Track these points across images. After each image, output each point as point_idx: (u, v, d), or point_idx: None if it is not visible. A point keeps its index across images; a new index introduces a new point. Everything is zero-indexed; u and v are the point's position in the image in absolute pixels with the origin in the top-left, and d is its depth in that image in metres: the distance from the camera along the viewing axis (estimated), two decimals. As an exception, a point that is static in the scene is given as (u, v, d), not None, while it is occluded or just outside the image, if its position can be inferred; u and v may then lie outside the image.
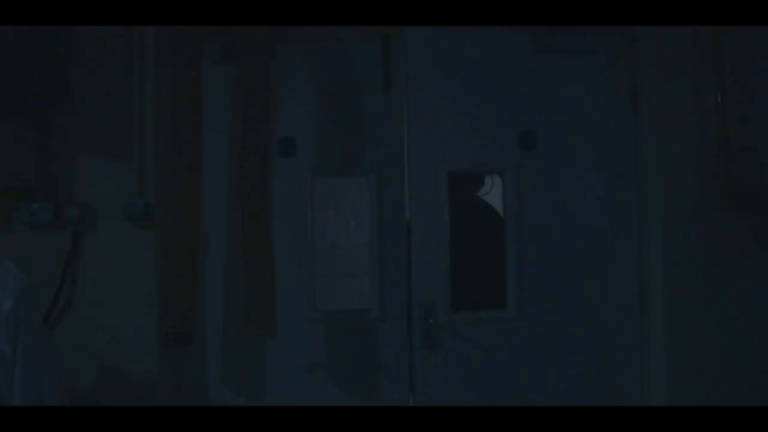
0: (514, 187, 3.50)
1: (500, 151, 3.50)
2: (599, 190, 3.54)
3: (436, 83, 3.41)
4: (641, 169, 3.51)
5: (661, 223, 3.41)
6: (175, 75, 3.19)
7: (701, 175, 3.36)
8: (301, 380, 3.46)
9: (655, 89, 3.43)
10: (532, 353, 3.46)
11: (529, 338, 3.46)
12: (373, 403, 3.44)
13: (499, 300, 3.48)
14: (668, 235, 3.39)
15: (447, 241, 3.46)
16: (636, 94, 3.52)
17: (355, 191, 3.61)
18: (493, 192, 3.67)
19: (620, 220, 3.53)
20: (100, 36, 3.29)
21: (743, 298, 3.35)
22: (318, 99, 3.52)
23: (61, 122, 3.33)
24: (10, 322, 2.08)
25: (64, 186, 3.32)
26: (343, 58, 3.54)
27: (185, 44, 3.21)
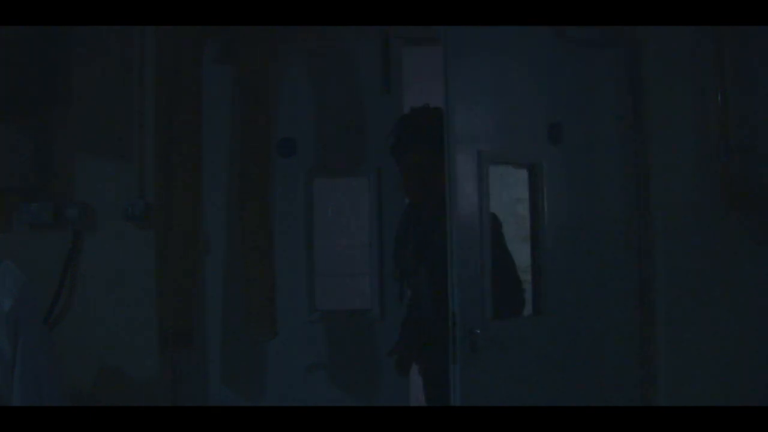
0: (545, 181, 3.25)
1: (530, 143, 3.25)
2: (609, 188, 3.48)
3: (473, 74, 3.25)
4: (641, 169, 3.51)
5: (661, 222, 3.41)
6: (175, 75, 3.19)
7: (701, 175, 3.36)
8: (301, 380, 3.46)
9: (656, 89, 3.43)
10: (557, 353, 3.23)
11: (554, 337, 3.24)
12: (373, 403, 3.44)
13: (535, 303, 3.26)
14: (668, 234, 3.39)
15: (488, 241, 3.06)
16: (636, 93, 3.52)
17: (355, 191, 3.62)
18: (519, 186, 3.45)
19: (623, 219, 3.52)
20: (100, 36, 3.29)
21: (743, 298, 3.34)
22: (318, 99, 3.52)
23: (61, 122, 3.32)
24: (10, 322, 2.08)
25: (64, 186, 3.32)
26: (343, 58, 3.54)
27: (185, 44, 3.21)
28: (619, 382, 3.45)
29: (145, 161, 3.30)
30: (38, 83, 3.30)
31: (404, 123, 3.15)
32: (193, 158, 3.22)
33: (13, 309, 2.09)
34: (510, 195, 3.45)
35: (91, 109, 3.32)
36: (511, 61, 3.10)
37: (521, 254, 3.47)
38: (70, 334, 3.24)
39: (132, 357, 3.29)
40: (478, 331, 2.83)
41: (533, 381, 3.06)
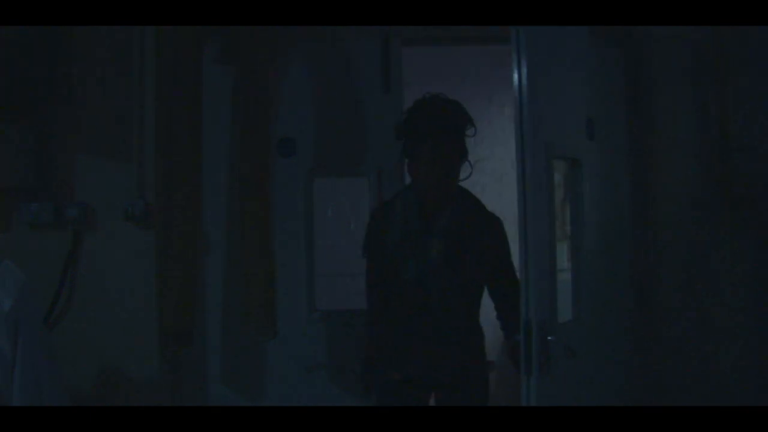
0: (584, 177, 3.19)
1: (573, 139, 3.16)
2: (620, 186, 3.47)
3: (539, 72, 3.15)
4: (641, 169, 3.51)
5: (660, 222, 3.41)
6: (175, 75, 3.19)
7: (701, 175, 3.36)
8: (301, 380, 3.46)
9: (656, 89, 3.43)
10: (593, 358, 3.15)
11: (590, 341, 3.17)
12: (373, 403, 3.44)
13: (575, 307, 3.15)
14: (667, 234, 3.39)
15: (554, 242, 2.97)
16: (636, 92, 3.52)
17: (355, 191, 3.62)
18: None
19: (625, 219, 3.52)
20: (100, 36, 3.29)
21: (742, 298, 3.35)
22: (318, 99, 3.52)
23: (61, 122, 3.32)
24: (10, 322, 2.08)
25: (64, 186, 3.32)
26: (343, 58, 3.54)
27: (185, 44, 3.21)
28: (621, 381, 3.46)
29: (145, 161, 3.31)
30: (38, 83, 3.30)
31: (421, 110, 3.02)
32: (193, 158, 3.22)
33: (13, 309, 2.08)
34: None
35: (91, 109, 3.33)
36: (562, 59, 3.06)
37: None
38: (70, 334, 3.24)
39: (132, 357, 3.29)
40: (551, 338, 2.63)
41: (584, 385, 2.98)
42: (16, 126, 3.26)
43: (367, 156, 3.53)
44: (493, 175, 5.41)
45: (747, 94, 3.33)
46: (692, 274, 3.37)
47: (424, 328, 3.06)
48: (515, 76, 2.60)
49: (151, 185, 3.27)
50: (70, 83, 3.33)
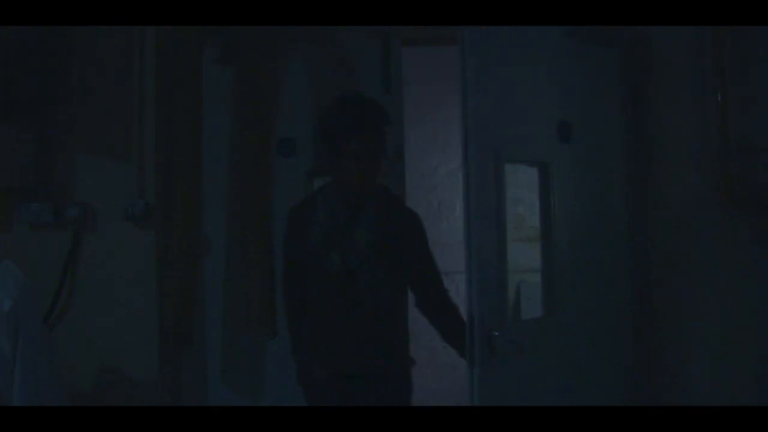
0: (556, 180, 3.25)
1: (542, 142, 3.22)
2: (615, 187, 3.48)
3: (490, 75, 3.20)
4: (641, 169, 3.50)
5: (660, 222, 3.41)
6: (175, 75, 3.19)
7: (701, 175, 3.36)
8: (301, 380, 3.45)
9: (656, 89, 3.43)
10: (560, 355, 3.20)
11: (558, 340, 3.22)
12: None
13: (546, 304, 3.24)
14: (668, 234, 3.39)
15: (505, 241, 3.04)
16: (636, 93, 3.52)
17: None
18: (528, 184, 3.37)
19: (623, 219, 3.52)
20: (100, 36, 3.29)
21: (743, 298, 3.34)
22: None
23: (61, 122, 3.33)
24: (10, 322, 2.08)
25: (64, 186, 3.32)
26: (343, 58, 3.54)
27: (185, 44, 3.21)
28: (618, 381, 3.46)
29: (145, 161, 3.31)
30: (38, 83, 3.30)
31: (341, 108, 3.10)
32: (193, 158, 3.22)
33: (13, 309, 2.08)
34: (511, 195, 3.42)
35: (91, 109, 3.33)
36: (524, 60, 3.09)
37: (523, 255, 3.48)
38: (70, 334, 3.24)
39: (132, 357, 3.29)
40: (497, 333, 2.79)
41: (545, 383, 3.04)
42: (16, 126, 3.26)
43: (367, 156, 3.52)
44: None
45: (747, 94, 3.33)
46: (691, 273, 3.37)
47: (351, 321, 3.09)
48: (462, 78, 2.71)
49: (151, 185, 3.27)
50: (70, 83, 3.33)
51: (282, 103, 3.46)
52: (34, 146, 3.30)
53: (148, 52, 3.30)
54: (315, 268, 3.11)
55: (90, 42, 3.31)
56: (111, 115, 3.33)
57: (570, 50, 3.28)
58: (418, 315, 3.24)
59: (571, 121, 3.27)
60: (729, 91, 3.33)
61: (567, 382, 3.12)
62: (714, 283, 3.34)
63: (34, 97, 3.29)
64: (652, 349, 3.44)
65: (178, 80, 3.19)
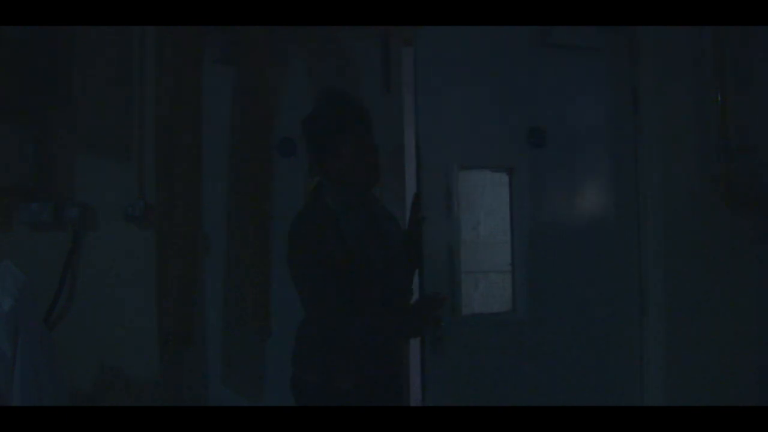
0: (525, 185, 3.44)
1: (509, 147, 3.41)
2: (602, 190, 3.52)
3: (445, 80, 3.33)
4: (641, 169, 3.51)
5: (661, 222, 3.41)
6: (175, 75, 3.19)
7: (701, 175, 3.37)
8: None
9: (656, 89, 3.43)
10: (539, 354, 3.40)
11: (536, 339, 3.40)
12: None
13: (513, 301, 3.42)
14: (668, 234, 3.39)
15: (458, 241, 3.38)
16: (636, 94, 3.52)
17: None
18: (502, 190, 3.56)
19: (621, 219, 3.53)
20: (100, 36, 3.29)
21: (743, 298, 3.35)
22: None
23: (61, 122, 3.32)
24: (10, 322, 2.08)
25: (64, 186, 3.32)
26: (343, 58, 3.54)
27: (185, 44, 3.21)
28: (615, 381, 3.47)
29: (145, 161, 3.31)
30: (38, 83, 3.30)
31: (332, 104, 2.88)
32: (193, 158, 3.22)
33: (13, 309, 2.09)
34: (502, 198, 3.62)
35: (91, 109, 3.32)
36: (485, 65, 3.23)
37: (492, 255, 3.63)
38: (70, 334, 3.24)
39: (132, 357, 3.29)
40: (443, 324, 3.02)
41: (506, 378, 3.29)
42: (16, 126, 3.26)
43: (367, 156, 3.52)
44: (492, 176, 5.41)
45: (747, 94, 3.33)
46: (692, 273, 3.37)
47: (391, 319, 2.88)
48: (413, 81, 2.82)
49: (151, 185, 3.27)
50: (70, 83, 3.33)
51: (282, 103, 3.46)
52: (34, 146, 3.30)
53: (148, 52, 3.30)
54: (356, 267, 2.82)
55: (90, 42, 3.31)
56: (111, 115, 3.33)
57: (543, 57, 3.44)
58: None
59: (543, 126, 3.44)
60: (729, 92, 3.33)
61: (545, 380, 3.37)
62: (714, 283, 3.35)
63: (34, 98, 3.29)
64: (650, 348, 3.44)
65: (178, 80, 3.19)
